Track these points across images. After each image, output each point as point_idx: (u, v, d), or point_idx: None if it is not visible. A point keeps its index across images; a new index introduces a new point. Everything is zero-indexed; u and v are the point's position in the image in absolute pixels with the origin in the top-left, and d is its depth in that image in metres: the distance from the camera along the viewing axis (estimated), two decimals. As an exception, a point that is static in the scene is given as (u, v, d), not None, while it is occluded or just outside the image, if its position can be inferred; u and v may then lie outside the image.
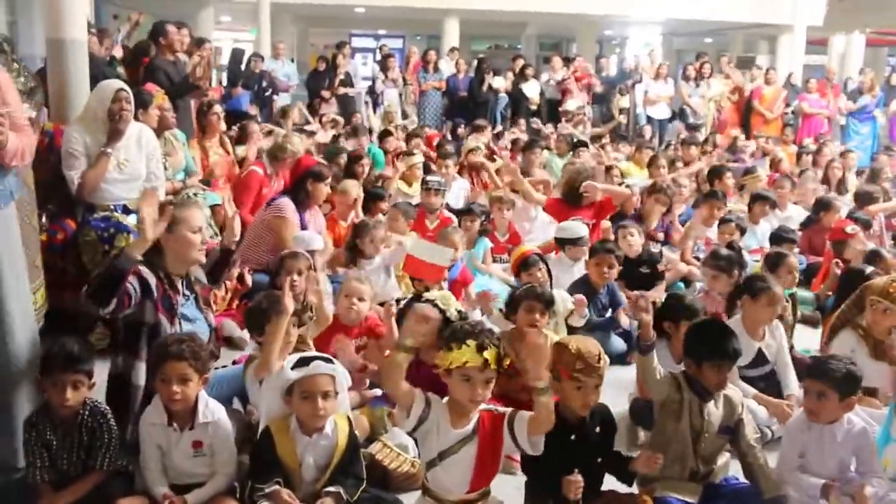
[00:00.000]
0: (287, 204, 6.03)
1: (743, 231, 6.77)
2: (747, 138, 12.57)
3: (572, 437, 3.25)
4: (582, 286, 5.51)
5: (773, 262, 5.29)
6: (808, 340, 5.55)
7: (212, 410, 3.39)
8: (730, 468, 3.70)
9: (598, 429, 3.34)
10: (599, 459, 3.35)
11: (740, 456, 3.59)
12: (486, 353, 3.01)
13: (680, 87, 14.42)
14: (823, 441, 3.54)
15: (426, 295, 4.27)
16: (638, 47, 20.64)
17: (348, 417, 3.42)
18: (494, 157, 9.69)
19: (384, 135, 10.01)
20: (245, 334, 5.06)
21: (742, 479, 3.58)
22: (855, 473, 3.54)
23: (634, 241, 6.29)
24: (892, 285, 4.38)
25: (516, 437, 3.09)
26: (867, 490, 3.35)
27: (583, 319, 5.04)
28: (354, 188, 6.89)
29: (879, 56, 20.99)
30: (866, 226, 6.94)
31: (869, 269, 5.08)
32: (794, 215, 8.01)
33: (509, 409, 3.18)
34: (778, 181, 8.45)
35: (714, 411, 3.54)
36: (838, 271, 5.62)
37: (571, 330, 4.96)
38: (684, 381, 3.57)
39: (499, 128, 12.36)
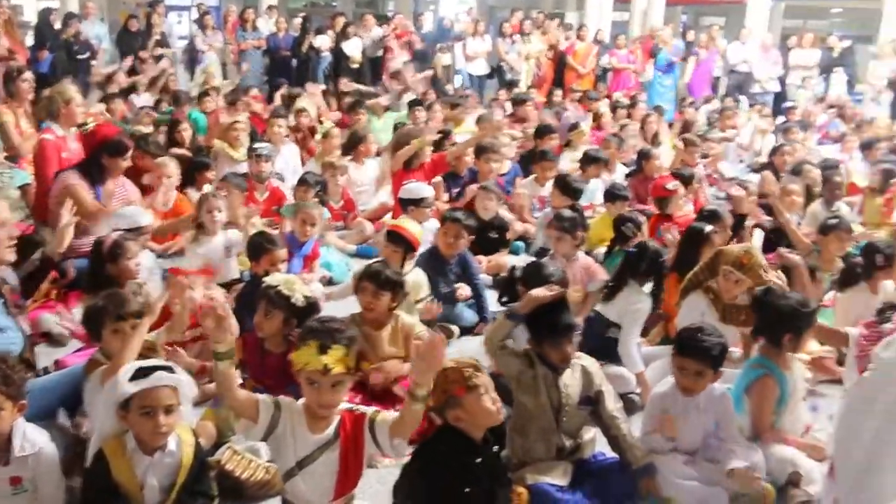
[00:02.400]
0: (69, 174, 5.43)
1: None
2: (563, 94, 12.81)
3: (478, 459, 3.01)
4: (431, 258, 5.33)
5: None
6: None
7: (31, 441, 2.92)
8: (597, 444, 3.65)
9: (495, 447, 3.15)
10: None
11: (604, 429, 3.56)
12: (328, 356, 2.71)
13: (497, 43, 14.47)
14: (688, 410, 3.55)
15: (267, 280, 3.91)
16: (454, 3, 20.59)
17: (192, 429, 3.06)
18: (321, 119, 9.33)
19: (202, 96, 9.42)
20: (65, 329, 4.57)
21: (610, 453, 3.56)
22: (715, 440, 3.57)
23: (491, 206, 6.21)
24: (745, 256, 4.43)
25: (378, 441, 2.84)
26: (736, 464, 3.40)
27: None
28: (171, 165, 6.38)
29: (675, 14, 22.03)
30: (686, 181, 7.16)
31: (708, 229, 5.18)
32: (621, 175, 8.18)
33: (370, 409, 2.92)
34: (605, 142, 8.59)
35: (571, 383, 3.49)
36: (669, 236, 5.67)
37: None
38: (535, 356, 3.49)
39: (321, 87, 11.97)
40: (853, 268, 5.05)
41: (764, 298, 3.87)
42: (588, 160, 7.55)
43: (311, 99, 9.97)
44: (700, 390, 3.52)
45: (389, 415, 2.88)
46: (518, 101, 10.85)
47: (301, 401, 2.87)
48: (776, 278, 4.37)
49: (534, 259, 5.24)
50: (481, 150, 7.23)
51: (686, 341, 3.52)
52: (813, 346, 4.65)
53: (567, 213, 5.37)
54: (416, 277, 4.90)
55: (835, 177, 7.47)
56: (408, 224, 5.14)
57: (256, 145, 6.92)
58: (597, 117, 10.49)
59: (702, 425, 3.57)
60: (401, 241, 4.96)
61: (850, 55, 14.86)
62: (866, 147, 9.22)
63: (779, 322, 3.74)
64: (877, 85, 13.82)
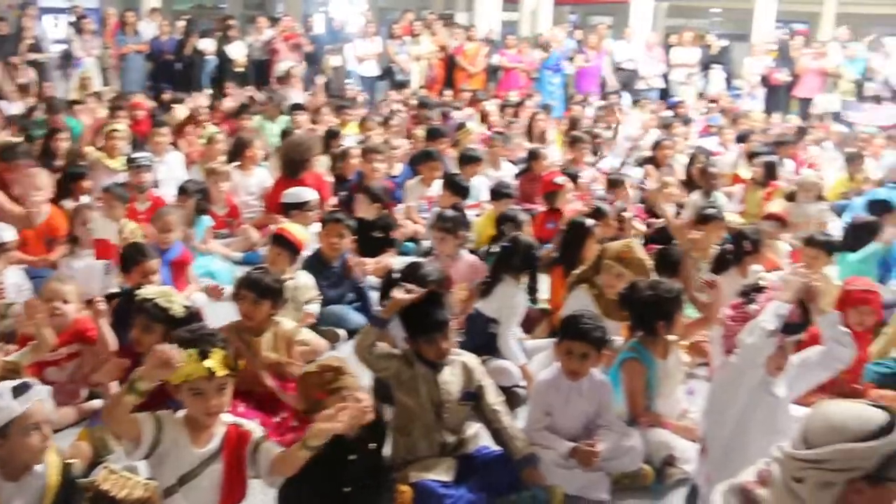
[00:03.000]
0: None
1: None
2: (454, 94, 12.91)
3: (351, 456, 3.06)
4: (315, 260, 5.31)
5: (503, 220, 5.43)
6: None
7: None
8: (481, 438, 3.70)
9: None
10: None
11: (486, 422, 3.61)
12: (210, 360, 2.71)
13: (387, 45, 14.47)
14: (570, 397, 3.65)
15: (141, 292, 3.80)
16: (344, 5, 20.47)
17: (56, 448, 2.90)
18: (204, 124, 9.15)
19: (75, 103, 9.09)
20: None
21: (495, 447, 3.61)
22: (596, 426, 3.68)
23: (365, 206, 6.22)
24: (624, 250, 4.55)
25: (258, 465, 2.83)
26: (598, 446, 3.51)
27: None
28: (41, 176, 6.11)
29: (564, 14, 22.45)
30: (573, 177, 7.31)
31: (590, 223, 5.30)
32: (507, 172, 8.28)
33: (258, 431, 2.90)
34: (490, 140, 8.69)
35: (450, 380, 3.53)
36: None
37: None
38: (413, 354, 3.52)
39: (207, 92, 11.74)
40: (724, 254, 5.26)
41: (629, 294, 3.99)
42: (466, 160, 7.64)
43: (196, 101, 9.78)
44: (585, 373, 3.62)
45: (274, 447, 2.86)
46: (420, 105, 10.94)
47: (181, 413, 2.83)
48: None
49: (414, 259, 5.26)
50: (367, 152, 7.24)
51: (570, 325, 3.65)
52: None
53: (449, 212, 5.43)
54: (302, 279, 4.88)
55: (710, 167, 7.75)
56: (293, 227, 5.11)
57: (135, 155, 6.73)
58: (485, 117, 10.61)
59: (583, 411, 3.68)
60: (286, 245, 4.94)
61: (727, 53, 15.42)
62: (742, 139, 9.59)
63: (648, 312, 3.87)
64: (751, 80, 14.41)
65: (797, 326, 3.11)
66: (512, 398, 4.24)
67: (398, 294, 3.44)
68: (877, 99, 13.01)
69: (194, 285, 5.34)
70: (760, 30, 16.55)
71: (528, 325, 4.99)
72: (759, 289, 3.20)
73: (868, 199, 6.79)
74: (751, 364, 3.11)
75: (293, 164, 6.75)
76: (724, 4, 24.40)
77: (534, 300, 4.80)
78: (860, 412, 2.21)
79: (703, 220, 5.71)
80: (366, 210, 6.13)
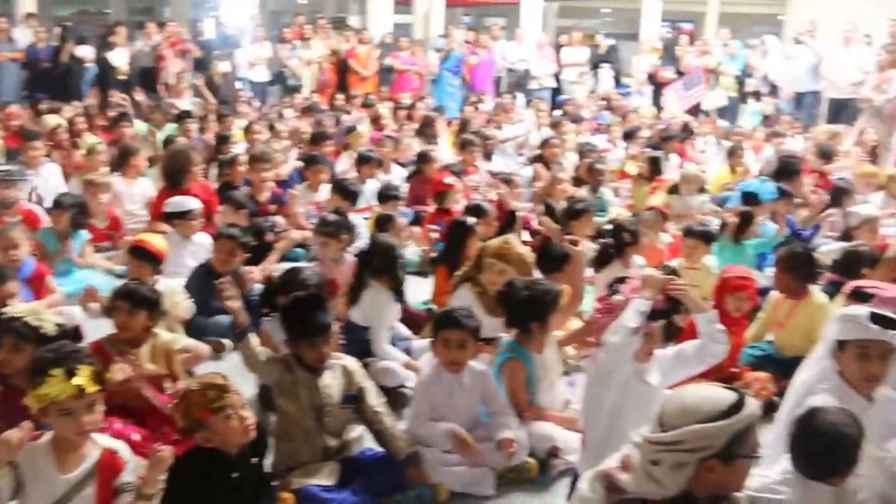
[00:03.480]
0: None
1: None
2: (346, 98, 12.84)
3: (234, 474, 2.99)
4: (204, 273, 5.19)
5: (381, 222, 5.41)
6: (422, 293, 5.71)
7: None
8: (364, 441, 3.69)
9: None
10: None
11: (368, 424, 3.61)
12: (77, 378, 2.64)
13: (278, 49, 14.30)
14: (453, 391, 3.67)
15: (7, 310, 3.63)
16: (235, 9, 20.11)
17: None
18: (82, 133, 8.86)
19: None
20: None
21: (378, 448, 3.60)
22: (487, 416, 3.74)
23: (230, 215, 6.13)
24: (504, 247, 4.60)
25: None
26: (506, 434, 3.56)
27: None
28: None
29: (456, 15, 22.63)
30: (460, 176, 7.35)
31: (471, 221, 5.33)
32: (397, 175, 8.28)
33: (125, 475, 2.82)
34: (380, 143, 8.67)
35: (331, 383, 3.52)
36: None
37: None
38: (293, 360, 3.49)
39: (87, 101, 11.36)
40: (606, 248, 5.37)
41: (507, 292, 4.02)
42: (361, 160, 7.60)
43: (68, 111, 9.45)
44: (464, 362, 3.66)
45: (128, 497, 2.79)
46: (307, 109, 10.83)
47: (45, 439, 2.74)
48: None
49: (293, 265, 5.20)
50: (253, 160, 7.12)
51: (443, 317, 3.74)
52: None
53: (331, 216, 5.39)
54: (166, 285, 4.77)
55: (597, 164, 7.91)
56: (152, 238, 4.99)
57: (1, 168, 6.44)
58: (376, 119, 10.59)
59: (467, 403, 3.72)
60: (146, 256, 4.82)
61: (615, 52, 15.79)
62: (628, 136, 9.81)
63: (523, 311, 3.91)
64: (639, 78, 14.79)
65: (662, 313, 3.20)
66: (398, 399, 4.25)
67: (232, 304, 3.40)
68: (756, 94, 13.50)
69: (57, 295, 5.15)
70: (648, 29, 17.00)
71: (416, 325, 4.98)
72: (622, 280, 3.28)
73: (741, 191, 7.04)
74: (618, 362, 3.20)
75: (175, 175, 6.58)
76: (614, 5, 24.99)
77: (400, 300, 4.71)
78: (711, 394, 2.29)
79: (574, 214, 5.83)
80: (234, 218, 6.01)
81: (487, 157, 9.29)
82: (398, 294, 4.68)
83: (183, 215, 5.79)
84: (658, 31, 16.89)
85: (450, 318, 3.67)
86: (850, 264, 5.01)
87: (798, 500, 2.75)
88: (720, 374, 4.35)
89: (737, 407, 2.23)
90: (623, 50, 16.65)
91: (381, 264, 4.62)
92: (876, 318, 3.12)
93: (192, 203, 5.89)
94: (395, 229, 5.47)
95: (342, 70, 14.26)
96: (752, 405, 2.27)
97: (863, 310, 3.22)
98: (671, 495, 2.27)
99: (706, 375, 4.19)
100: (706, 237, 5.48)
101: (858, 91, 11.49)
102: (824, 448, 2.70)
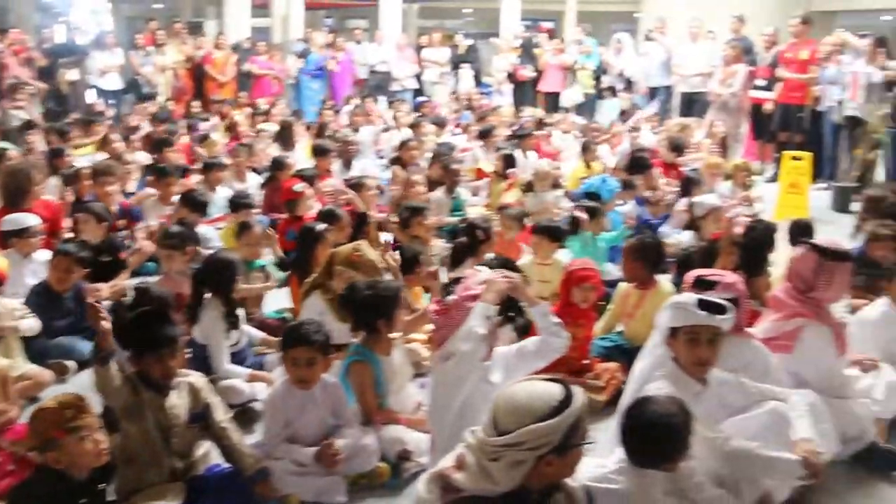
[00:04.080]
0: None
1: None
2: (204, 105, 12.52)
3: (82, 500, 2.88)
4: (43, 292, 4.99)
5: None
6: (279, 301, 5.63)
7: None
8: (211, 456, 3.58)
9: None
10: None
11: (216, 440, 3.51)
12: None
13: (130, 56, 13.82)
14: (305, 405, 3.63)
15: None
16: (85, 14, 19.35)
17: None
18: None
19: None
20: None
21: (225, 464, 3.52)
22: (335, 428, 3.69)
23: (91, 227, 5.87)
24: (354, 254, 4.57)
25: None
26: (338, 443, 3.55)
27: None
28: None
29: (317, 17, 22.44)
30: (312, 182, 7.26)
31: (320, 227, 5.27)
32: (253, 183, 8.11)
33: None
34: (234, 151, 8.48)
35: (178, 403, 3.40)
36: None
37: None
38: (138, 380, 3.35)
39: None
40: (459, 247, 5.40)
41: (349, 295, 4.01)
42: (207, 168, 7.41)
43: None
44: (315, 379, 3.61)
45: None
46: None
47: None
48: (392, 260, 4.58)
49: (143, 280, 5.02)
50: (97, 174, 6.84)
51: (291, 333, 3.64)
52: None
53: (174, 228, 5.24)
54: (2, 305, 4.53)
55: (452, 164, 7.95)
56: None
57: None
58: (232, 127, 10.36)
59: (320, 417, 3.67)
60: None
61: (475, 52, 15.98)
62: (485, 135, 9.89)
63: (368, 312, 3.90)
64: (498, 77, 15.01)
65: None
66: (246, 415, 4.16)
67: (103, 325, 3.24)
68: (612, 90, 13.88)
69: None
70: (507, 29, 17.26)
71: (271, 335, 4.88)
72: (457, 280, 3.30)
73: (583, 189, 7.23)
74: (470, 369, 3.22)
75: (13, 194, 6.22)
76: (475, 5, 25.26)
77: (230, 315, 4.55)
78: (540, 391, 2.32)
79: (413, 212, 5.87)
80: (93, 232, 5.76)
81: (347, 162, 9.19)
82: (231, 314, 4.52)
83: (20, 233, 5.50)
84: (518, 30, 17.16)
85: (297, 336, 3.59)
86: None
87: (633, 488, 2.83)
88: (571, 366, 4.45)
89: (566, 401, 2.27)
90: (484, 49, 16.89)
91: (217, 281, 4.50)
92: (703, 304, 3.23)
93: (31, 220, 5.61)
94: (251, 237, 5.34)
95: (198, 76, 13.90)
96: (580, 396, 2.32)
97: (691, 297, 3.33)
98: (506, 491, 2.29)
99: (557, 368, 4.30)
100: (553, 233, 5.56)
101: (706, 85, 11.97)
102: (653, 437, 2.80)
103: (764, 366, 3.68)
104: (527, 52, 15.06)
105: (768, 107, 11.25)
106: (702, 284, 3.56)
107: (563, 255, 5.72)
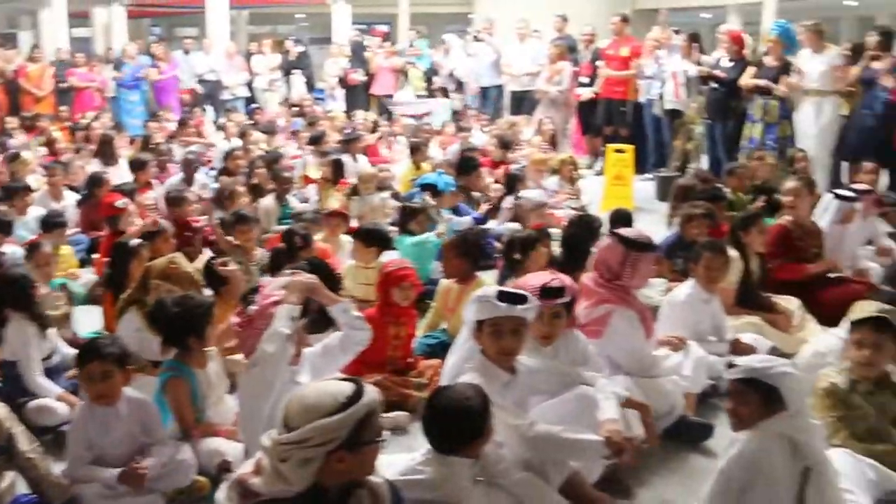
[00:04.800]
0: None
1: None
2: (21, 122, 11.84)
3: None
4: None
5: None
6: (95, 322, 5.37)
7: None
8: (17, 486, 3.44)
9: None
10: None
11: (21, 471, 3.35)
12: None
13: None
14: (109, 424, 3.50)
15: None
16: None
17: None
18: None
19: None
20: None
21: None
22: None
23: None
24: (170, 267, 4.46)
25: None
26: (146, 462, 3.42)
27: None
28: None
29: (142, 26, 21.73)
30: (132, 196, 7.01)
31: (134, 242, 5.11)
32: (70, 202, 7.73)
33: None
34: (49, 169, 8.06)
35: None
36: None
37: None
38: None
39: None
40: (278, 253, 5.34)
41: (157, 311, 3.93)
42: (8, 192, 7.02)
43: None
44: (115, 394, 3.48)
45: None
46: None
47: None
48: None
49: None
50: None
51: (84, 349, 3.56)
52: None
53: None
54: None
55: (282, 172, 7.84)
56: None
57: None
58: (50, 143, 9.86)
59: (126, 434, 3.54)
60: None
61: (307, 57, 15.84)
62: (314, 141, 9.79)
63: (178, 328, 3.81)
64: (330, 82, 14.93)
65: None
66: (58, 439, 3.97)
67: None
68: (444, 91, 14.05)
69: None
70: (340, 33, 17.18)
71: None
72: (256, 290, 3.27)
73: (419, 183, 7.28)
74: (277, 372, 3.18)
75: None
76: (307, 10, 25.03)
77: (43, 331, 4.42)
78: (330, 389, 2.33)
79: (239, 220, 5.77)
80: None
81: (189, 177, 8.83)
82: (42, 325, 4.41)
83: None
84: (350, 34, 17.13)
85: (90, 351, 3.48)
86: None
87: (438, 476, 2.89)
88: (395, 365, 4.47)
89: (355, 397, 2.26)
90: (316, 55, 16.76)
91: (13, 297, 4.33)
92: (503, 296, 3.30)
93: None
94: (41, 258, 5.09)
95: (12, 91, 13.16)
96: (371, 393, 2.33)
97: (491, 290, 3.41)
98: (301, 491, 2.29)
99: (382, 368, 4.33)
100: (373, 236, 5.57)
101: (535, 83, 12.29)
102: (451, 422, 2.87)
103: (585, 354, 3.82)
104: (357, 55, 15.03)
105: (585, 93, 11.63)
106: (549, 293, 3.60)
107: (392, 257, 5.75)
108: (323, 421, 2.23)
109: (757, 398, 2.89)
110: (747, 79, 9.17)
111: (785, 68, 8.93)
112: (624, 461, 3.32)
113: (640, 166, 11.05)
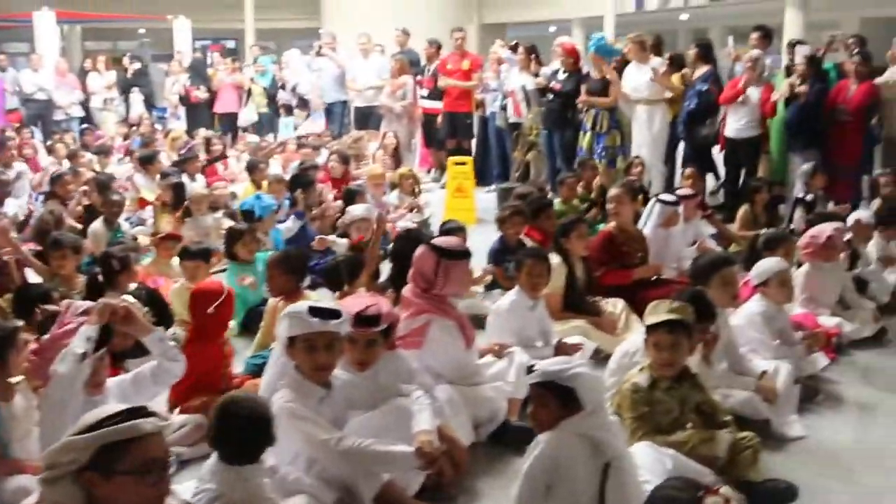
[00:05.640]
0: None
1: None
2: None
3: None
4: None
5: None
6: None
7: None
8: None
9: None
10: None
11: None
12: None
13: None
14: None
15: None
16: None
17: None
18: None
19: None
20: None
21: None
22: None
23: None
24: None
25: None
26: None
27: None
28: None
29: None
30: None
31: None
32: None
33: None
34: None
35: None
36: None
37: None
38: None
39: None
40: (94, 278, 5.15)
41: None
42: None
43: None
44: None
45: None
46: None
47: None
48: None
49: None
50: None
51: None
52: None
53: None
54: None
55: (113, 195, 7.56)
56: None
57: None
58: None
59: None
60: None
61: (146, 75, 15.40)
62: (145, 162, 9.43)
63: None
64: (172, 100, 14.55)
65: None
66: None
67: None
68: (288, 108, 13.92)
69: None
70: (181, 49, 16.74)
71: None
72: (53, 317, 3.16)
73: (239, 207, 7.21)
74: (69, 391, 3.07)
75: None
76: (146, 25, 24.26)
77: None
78: (101, 411, 2.26)
79: (53, 246, 5.57)
80: None
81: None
82: None
83: None
84: (189, 50, 16.74)
85: None
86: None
87: (224, 486, 2.84)
88: (215, 385, 4.35)
89: (109, 421, 2.19)
90: (160, 72, 16.29)
91: None
92: (314, 311, 3.29)
93: None
94: None
95: None
96: (144, 424, 2.23)
97: (303, 305, 3.39)
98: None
99: (205, 390, 4.21)
100: (204, 256, 5.46)
101: (378, 98, 12.33)
102: (232, 430, 2.86)
103: (408, 374, 3.84)
104: (198, 72, 14.69)
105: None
106: (363, 321, 3.57)
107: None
108: (66, 440, 2.20)
109: (555, 400, 2.98)
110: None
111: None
112: (437, 472, 3.35)
113: (487, 179, 11.31)
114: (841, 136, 8.54)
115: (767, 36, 9.63)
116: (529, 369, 3.10)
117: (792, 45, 9.37)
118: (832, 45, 9.45)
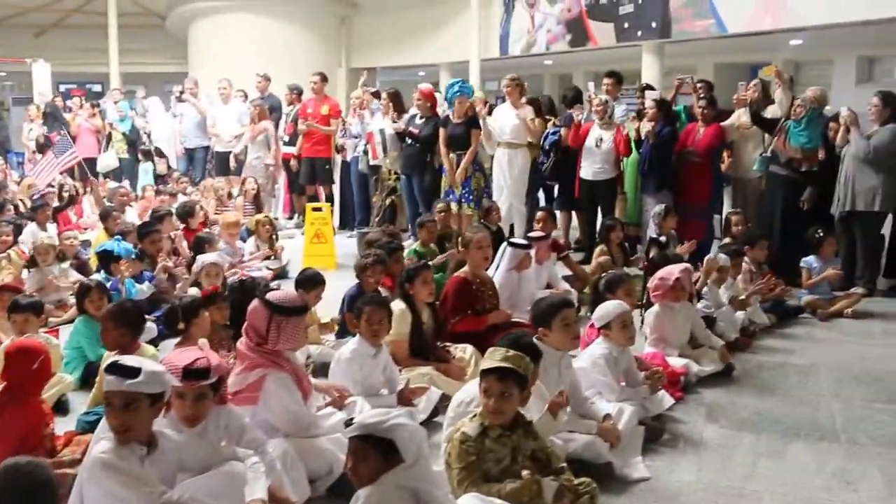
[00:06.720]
0: None
1: None
2: None
3: None
4: None
5: None
6: None
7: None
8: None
9: None
10: None
11: None
12: None
13: None
14: None
15: None
16: None
17: None
18: None
19: None
20: None
21: None
22: None
23: None
24: None
25: None
26: None
27: None
28: None
29: None
30: None
31: None
32: None
33: None
34: None
35: None
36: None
37: None
38: None
39: None
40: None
41: None
42: None
43: None
44: None
45: None
46: None
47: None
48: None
49: None
50: None
51: None
52: None
53: None
54: None
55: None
56: None
57: None
58: None
59: None
60: None
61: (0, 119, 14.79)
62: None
63: None
64: (30, 146, 14.00)
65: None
66: None
67: None
68: (148, 154, 13.57)
69: None
70: (43, 92, 16.16)
71: None
72: None
73: (98, 250, 6.98)
74: None
75: None
76: (9, 68, 23.34)
77: None
78: None
79: None
80: None
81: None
82: None
83: None
84: (50, 94, 16.15)
85: None
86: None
87: None
88: (53, 444, 4.12)
89: None
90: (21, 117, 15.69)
91: None
92: (110, 369, 3.14)
93: None
94: None
95: None
96: None
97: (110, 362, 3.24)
98: None
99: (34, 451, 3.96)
100: (35, 309, 5.21)
101: (240, 143, 12.17)
102: (16, 499, 2.75)
103: (241, 429, 3.70)
104: (56, 117, 14.18)
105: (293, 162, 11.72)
106: (192, 375, 3.43)
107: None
108: None
109: (374, 453, 2.92)
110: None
111: (471, 123, 9.39)
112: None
113: (349, 224, 11.25)
114: (691, 176, 8.85)
115: (619, 81, 10.00)
116: (348, 423, 3.03)
117: (642, 90, 9.74)
118: (681, 88, 9.87)
